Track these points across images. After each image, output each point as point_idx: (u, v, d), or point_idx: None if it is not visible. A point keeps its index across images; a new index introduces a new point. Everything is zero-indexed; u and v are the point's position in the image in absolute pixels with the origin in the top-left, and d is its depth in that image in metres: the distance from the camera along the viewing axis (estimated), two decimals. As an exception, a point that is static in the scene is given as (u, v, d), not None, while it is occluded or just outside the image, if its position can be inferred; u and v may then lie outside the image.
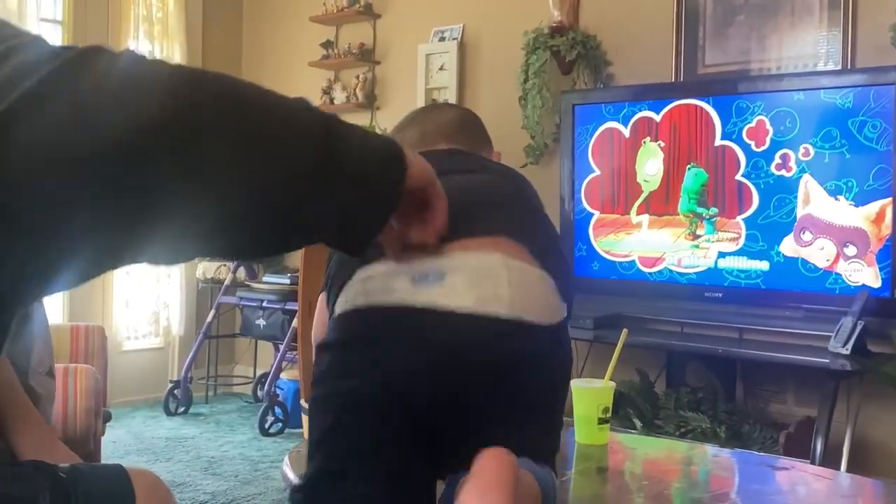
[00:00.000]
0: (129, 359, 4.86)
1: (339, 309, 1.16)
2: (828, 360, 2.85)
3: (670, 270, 3.38)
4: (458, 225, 1.08)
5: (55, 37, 4.57)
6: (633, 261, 3.48)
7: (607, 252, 3.55)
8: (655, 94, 3.47)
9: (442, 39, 4.43)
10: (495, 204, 1.23)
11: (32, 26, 4.27)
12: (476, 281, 1.06)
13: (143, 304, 4.97)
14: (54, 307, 4.64)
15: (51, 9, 4.64)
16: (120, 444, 4.07)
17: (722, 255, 3.26)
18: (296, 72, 5.10)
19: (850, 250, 2.99)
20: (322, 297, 1.43)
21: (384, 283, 1.09)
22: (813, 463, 2.72)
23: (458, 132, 1.67)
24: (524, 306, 1.07)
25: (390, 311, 1.07)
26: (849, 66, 3.23)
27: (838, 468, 2.84)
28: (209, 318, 4.82)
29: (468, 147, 1.63)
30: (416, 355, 1.04)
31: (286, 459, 1.54)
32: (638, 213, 3.48)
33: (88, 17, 4.73)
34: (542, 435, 1.12)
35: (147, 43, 4.90)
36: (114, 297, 4.82)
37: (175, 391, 4.74)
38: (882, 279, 2.93)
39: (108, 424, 2.64)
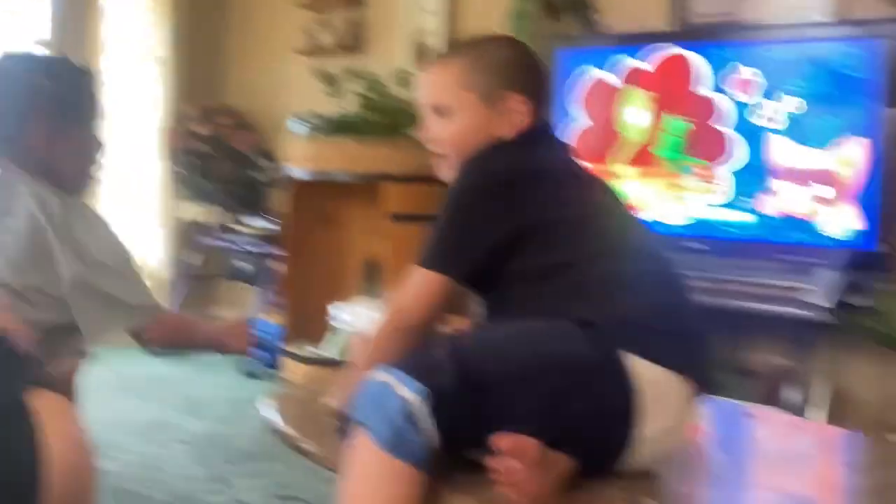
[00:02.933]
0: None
1: None
2: (806, 312, 2.87)
3: (654, 221, 3.36)
4: None
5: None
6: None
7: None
8: (643, 41, 3.43)
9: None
10: None
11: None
12: None
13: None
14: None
15: None
16: (100, 382, 4.05)
17: (705, 206, 3.26)
18: (280, 15, 5.04)
19: (836, 202, 2.99)
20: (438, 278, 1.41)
21: None
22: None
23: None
24: None
25: None
26: (840, 19, 3.19)
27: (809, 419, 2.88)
28: (192, 260, 4.79)
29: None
30: None
31: (267, 402, 1.54)
32: (619, 164, 3.46)
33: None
34: None
35: None
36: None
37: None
38: (864, 231, 2.94)
39: (90, 363, 2.63)
